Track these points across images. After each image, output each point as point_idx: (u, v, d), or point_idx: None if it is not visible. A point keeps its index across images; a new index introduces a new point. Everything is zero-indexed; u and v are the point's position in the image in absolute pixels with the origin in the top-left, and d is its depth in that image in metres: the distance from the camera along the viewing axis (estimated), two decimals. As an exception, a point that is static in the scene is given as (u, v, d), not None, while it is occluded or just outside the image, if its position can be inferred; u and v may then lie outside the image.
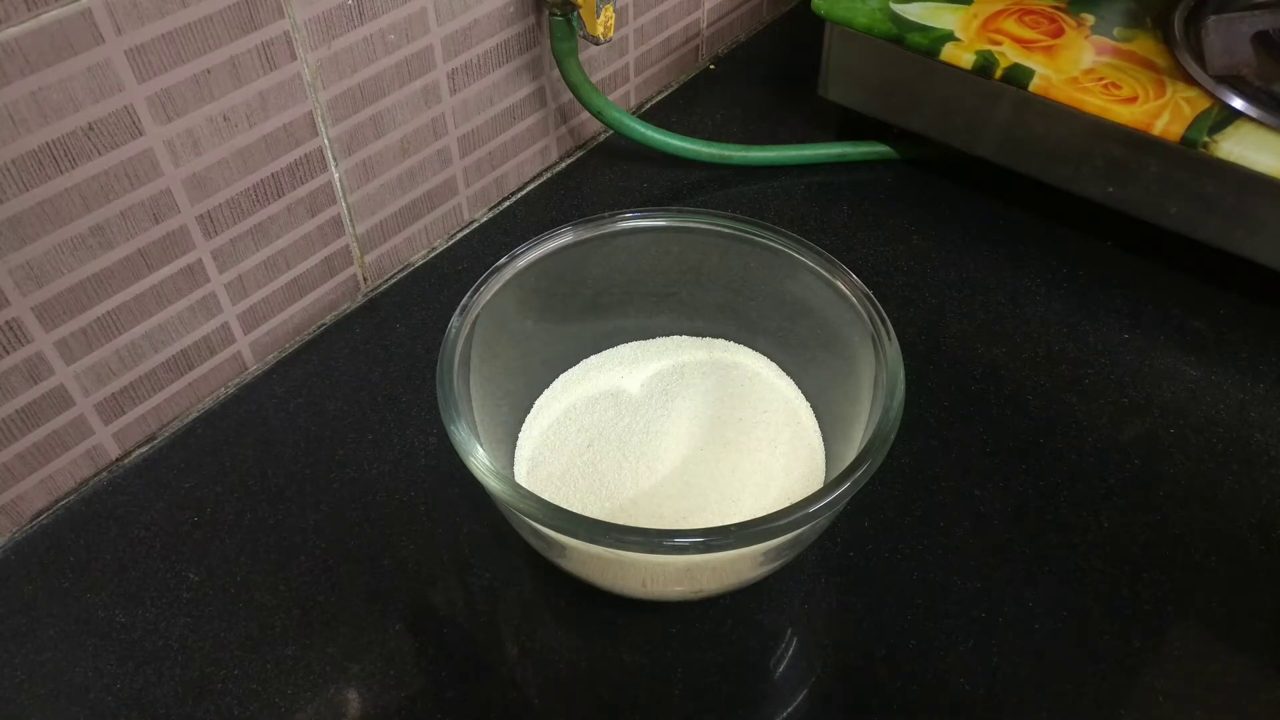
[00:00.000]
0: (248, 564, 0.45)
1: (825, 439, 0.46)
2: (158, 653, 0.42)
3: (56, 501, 0.47)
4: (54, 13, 0.38)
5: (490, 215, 0.63)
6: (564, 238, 0.46)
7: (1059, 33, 0.57)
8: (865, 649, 0.42)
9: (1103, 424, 0.50)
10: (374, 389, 0.52)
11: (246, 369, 0.53)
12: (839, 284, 0.44)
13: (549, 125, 0.65)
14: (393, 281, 0.59)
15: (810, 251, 0.45)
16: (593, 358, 0.50)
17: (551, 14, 0.57)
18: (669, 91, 0.73)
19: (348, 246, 0.55)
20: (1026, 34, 0.57)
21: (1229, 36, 0.53)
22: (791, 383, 0.48)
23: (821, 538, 0.41)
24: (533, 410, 0.48)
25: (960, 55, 0.56)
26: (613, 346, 0.50)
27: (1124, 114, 0.52)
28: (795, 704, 0.41)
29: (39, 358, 0.44)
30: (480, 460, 0.37)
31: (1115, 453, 0.48)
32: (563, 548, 0.39)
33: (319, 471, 0.48)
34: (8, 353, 0.42)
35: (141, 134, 0.42)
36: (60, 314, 0.44)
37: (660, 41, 0.70)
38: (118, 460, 0.49)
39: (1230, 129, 0.50)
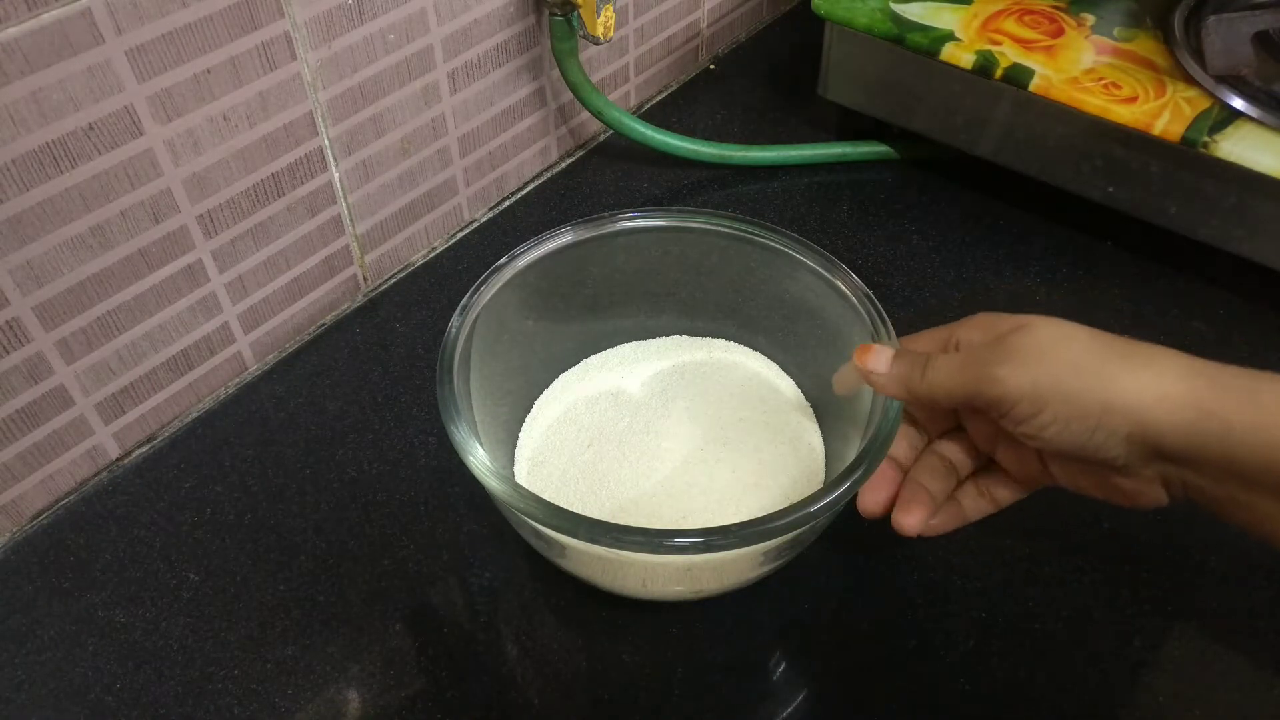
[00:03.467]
0: (248, 564, 0.45)
1: (825, 439, 0.46)
2: (158, 653, 0.42)
3: (56, 501, 0.47)
4: (54, 13, 0.38)
5: (490, 215, 0.63)
6: (564, 238, 0.46)
7: (1059, 33, 0.57)
8: (865, 649, 0.42)
9: (1103, 424, 0.50)
10: (374, 389, 0.52)
11: (246, 369, 0.53)
12: (839, 284, 0.44)
13: (549, 125, 0.65)
14: (393, 281, 0.59)
15: (810, 251, 0.45)
16: (593, 358, 0.50)
17: (551, 14, 0.57)
18: (669, 91, 0.73)
19: (348, 246, 0.55)
20: (1026, 34, 0.57)
21: (1229, 36, 0.53)
22: (791, 383, 0.48)
23: (821, 538, 0.41)
24: (533, 410, 0.48)
25: (960, 55, 0.56)
26: (613, 346, 0.50)
27: (1124, 114, 0.52)
28: (795, 704, 0.41)
29: (39, 358, 0.44)
30: (480, 460, 0.37)
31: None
32: (563, 548, 0.39)
33: (319, 471, 0.48)
34: (8, 353, 0.42)
35: (141, 134, 0.42)
36: (60, 314, 0.44)
37: (660, 41, 0.70)
38: (118, 460, 0.49)
39: (1230, 129, 0.50)
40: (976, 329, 0.37)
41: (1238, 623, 0.42)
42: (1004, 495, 0.40)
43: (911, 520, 0.38)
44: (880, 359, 0.38)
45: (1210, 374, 0.32)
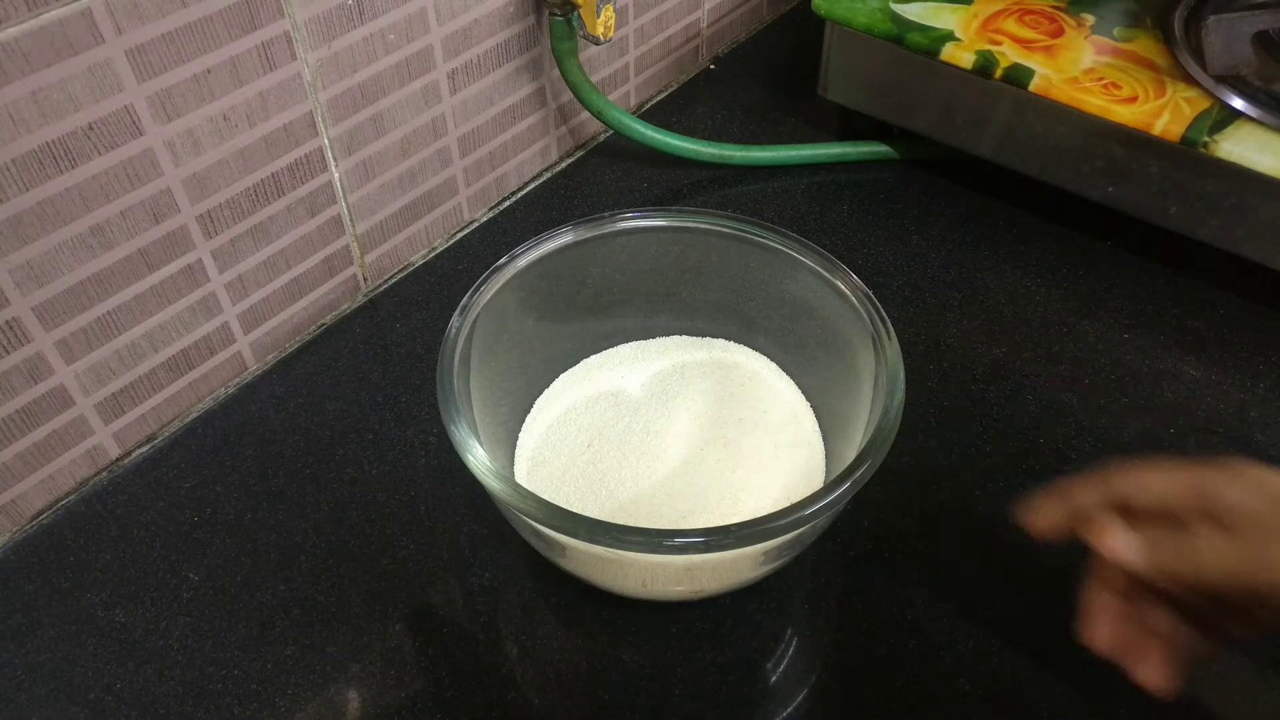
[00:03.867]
0: (248, 564, 0.45)
1: (825, 439, 0.46)
2: (158, 653, 0.42)
3: (56, 501, 0.47)
4: (54, 13, 0.38)
5: (490, 215, 0.63)
6: (564, 238, 0.46)
7: (1059, 33, 0.57)
8: (865, 649, 0.42)
9: (1103, 424, 0.50)
10: (374, 389, 0.52)
11: (246, 369, 0.53)
12: (839, 284, 0.44)
13: (549, 125, 0.65)
14: (393, 281, 0.59)
15: (810, 251, 0.45)
16: (593, 358, 0.50)
17: (551, 14, 0.57)
18: (669, 91, 0.73)
19: (348, 246, 0.55)
20: (1026, 34, 0.57)
21: (1229, 36, 0.53)
22: (791, 383, 0.48)
23: (821, 538, 0.41)
24: (533, 410, 0.48)
25: (960, 55, 0.56)
26: (613, 346, 0.50)
27: (1124, 114, 0.52)
28: (795, 704, 0.41)
29: (39, 358, 0.44)
30: (480, 460, 0.37)
31: (1115, 452, 0.48)
32: (563, 548, 0.39)
33: (319, 471, 0.48)
34: (8, 353, 0.42)
35: (141, 134, 0.42)
36: (60, 314, 0.44)
37: (660, 41, 0.70)
38: (118, 460, 0.49)
39: (1230, 129, 0.50)
40: (1248, 492, 0.32)
41: (1238, 623, 0.42)
42: (1240, 635, 0.35)
43: (1157, 675, 0.34)
44: (1129, 547, 0.33)
45: None
